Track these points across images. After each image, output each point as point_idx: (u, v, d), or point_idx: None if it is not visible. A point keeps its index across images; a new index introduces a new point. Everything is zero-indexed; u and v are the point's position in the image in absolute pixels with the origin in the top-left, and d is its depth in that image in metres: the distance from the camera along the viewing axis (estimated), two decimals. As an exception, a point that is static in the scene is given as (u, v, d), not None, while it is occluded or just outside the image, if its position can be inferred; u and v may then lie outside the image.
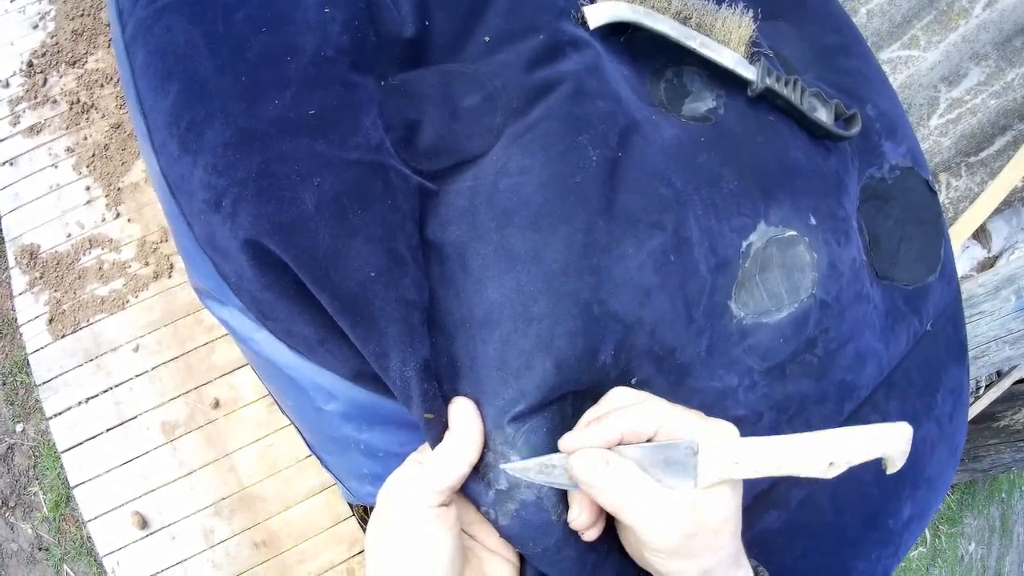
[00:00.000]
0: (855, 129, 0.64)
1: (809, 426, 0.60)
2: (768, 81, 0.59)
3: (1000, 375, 2.17)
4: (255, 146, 0.44)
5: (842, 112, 0.65)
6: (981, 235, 1.97)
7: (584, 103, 0.51)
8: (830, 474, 0.41)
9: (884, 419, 0.66)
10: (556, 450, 0.43)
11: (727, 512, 0.41)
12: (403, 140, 0.49)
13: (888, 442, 0.42)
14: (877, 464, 0.61)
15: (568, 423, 0.45)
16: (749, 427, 0.55)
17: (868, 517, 0.66)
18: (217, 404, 0.84)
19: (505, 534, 0.45)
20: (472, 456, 0.43)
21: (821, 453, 0.41)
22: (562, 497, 0.44)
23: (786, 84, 0.61)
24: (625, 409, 0.42)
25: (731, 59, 0.59)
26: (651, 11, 0.58)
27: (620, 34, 0.61)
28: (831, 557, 0.64)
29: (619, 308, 0.48)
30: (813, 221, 0.60)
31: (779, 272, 0.58)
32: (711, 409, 0.52)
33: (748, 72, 0.60)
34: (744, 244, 0.55)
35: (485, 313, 0.45)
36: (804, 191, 0.61)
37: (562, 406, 0.46)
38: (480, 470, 0.44)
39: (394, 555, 0.42)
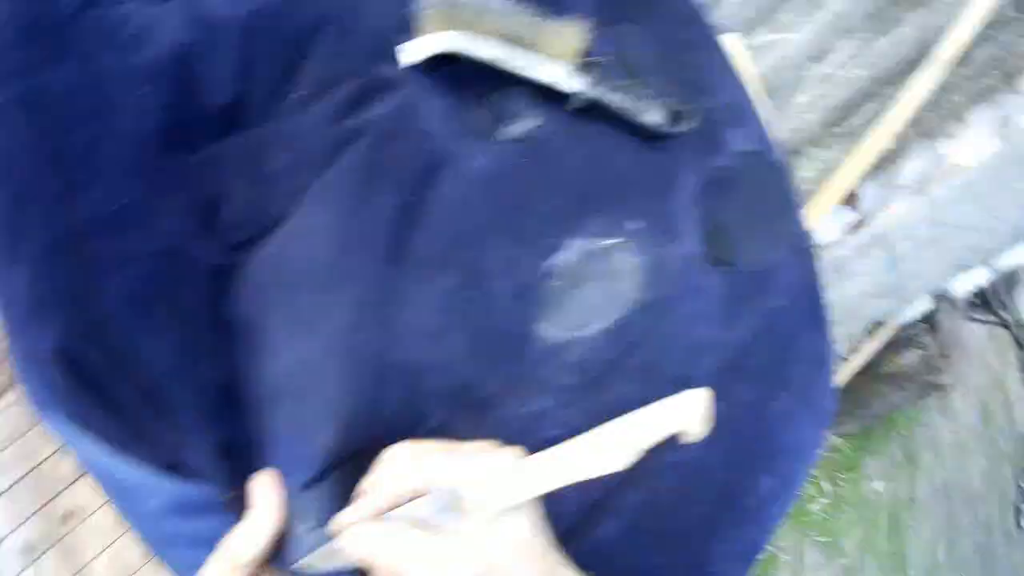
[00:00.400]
0: (685, 126, 0.66)
1: None
2: (592, 92, 0.61)
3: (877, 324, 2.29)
4: (70, 250, 0.46)
5: (675, 110, 0.66)
6: (851, 199, 2.02)
7: (386, 148, 0.54)
8: (624, 464, 0.39)
9: (730, 405, 0.66)
10: None
11: (518, 540, 0.40)
12: (209, 216, 0.51)
13: (680, 414, 0.41)
14: (724, 445, 0.64)
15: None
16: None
17: (721, 499, 0.67)
18: (70, 516, 0.85)
19: None
20: (270, 527, 0.43)
21: (608, 447, 0.40)
22: None
23: (615, 91, 0.62)
24: (392, 472, 0.41)
25: (552, 74, 0.60)
26: (472, 37, 0.59)
27: (443, 65, 0.61)
28: (684, 547, 0.64)
29: (406, 357, 0.49)
30: (636, 225, 0.63)
31: (596, 284, 0.60)
32: (522, 436, 0.51)
33: (568, 85, 0.60)
34: (551, 264, 0.57)
35: (275, 385, 0.46)
36: (628, 197, 0.63)
37: (354, 466, 0.46)
38: (289, 541, 0.45)
39: None
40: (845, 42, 1.89)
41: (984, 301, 3.09)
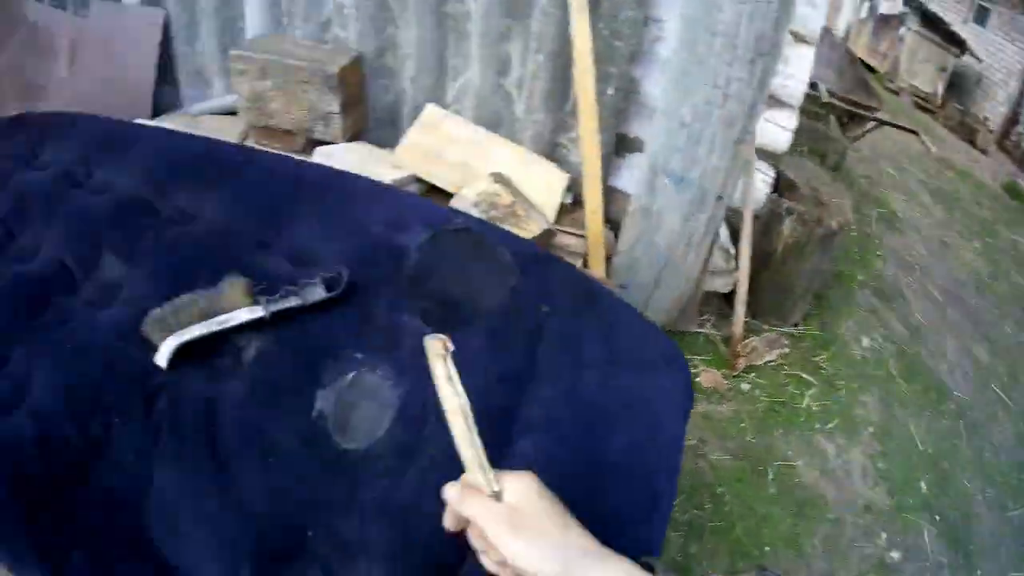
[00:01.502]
0: (340, 285, 0.94)
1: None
2: (271, 308, 0.92)
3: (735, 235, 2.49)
4: (40, 551, 0.78)
5: (327, 278, 0.95)
6: (631, 143, 2.28)
7: (179, 418, 0.87)
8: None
9: (542, 406, 0.87)
10: None
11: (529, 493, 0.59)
12: (111, 507, 0.82)
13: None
14: (553, 436, 0.82)
15: None
16: (424, 495, 0.77)
17: (580, 477, 0.81)
18: None
19: None
20: None
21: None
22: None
23: (284, 297, 0.93)
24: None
25: (241, 316, 0.92)
26: (183, 330, 0.91)
27: (186, 348, 0.93)
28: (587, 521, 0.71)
29: (261, 508, 0.79)
30: (359, 355, 0.90)
31: (364, 403, 0.87)
32: (386, 507, 0.79)
33: (256, 314, 0.92)
34: (315, 413, 0.87)
35: (193, 564, 0.77)
36: (341, 342, 0.92)
37: None
38: None
39: None
40: (510, 45, 2.12)
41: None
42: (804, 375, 2.58)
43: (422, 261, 1.00)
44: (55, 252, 1.17)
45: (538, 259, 1.03)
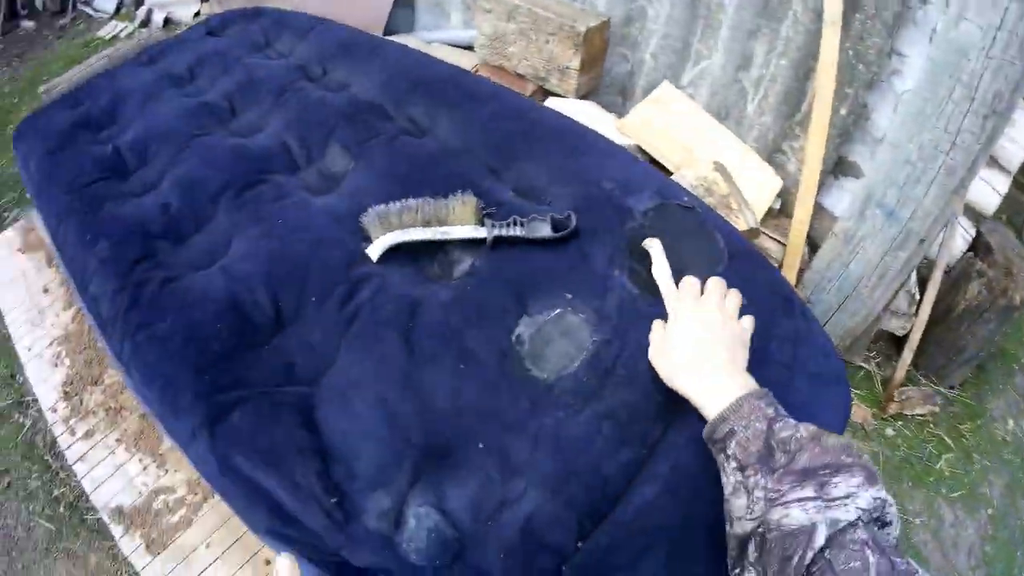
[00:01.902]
0: (569, 225, 0.96)
1: (648, 417, 0.83)
2: (495, 232, 0.95)
3: (923, 284, 2.45)
4: (201, 402, 0.85)
5: (556, 219, 0.97)
6: (850, 168, 2.25)
7: (379, 311, 0.90)
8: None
9: None
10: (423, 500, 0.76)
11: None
12: (287, 375, 0.88)
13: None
14: None
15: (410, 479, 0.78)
16: (595, 436, 0.82)
17: None
18: (268, 562, 1.35)
19: (424, 559, 0.74)
20: None
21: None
22: (451, 522, 0.75)
23: (510, 225, 0.95)
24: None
25: (465, 232, 0.96)
26: (404, 231, 0.96)
27: (398, 249, 0.98)
28: (720, 503, 0.77)
29: (442, 406, 0.82)
30: (569, 295, 0.91)
31: (561, 340, 0.89)
32: (557, 436, 0.81)
33: (480, 234, 0.95)
34: (514, 336, 0.89)
35: (363, 439, 0.81)
36: (554, 279, 0.93)
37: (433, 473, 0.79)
38: (392, 530, 0.75)
39: None
40: (756, 43, 2.13)
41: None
42: (946, 438, 2.56)
43: (644, 226, 1.00)
44: (280, 135, 1.26)
45: (747, 253, 1.02)
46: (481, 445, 0.81)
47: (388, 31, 2.73)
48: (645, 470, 0.80)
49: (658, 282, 0.91)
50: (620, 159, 1.13)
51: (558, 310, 0.91)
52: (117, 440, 1.65)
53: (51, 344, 1.83)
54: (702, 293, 0.85)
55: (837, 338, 2.33)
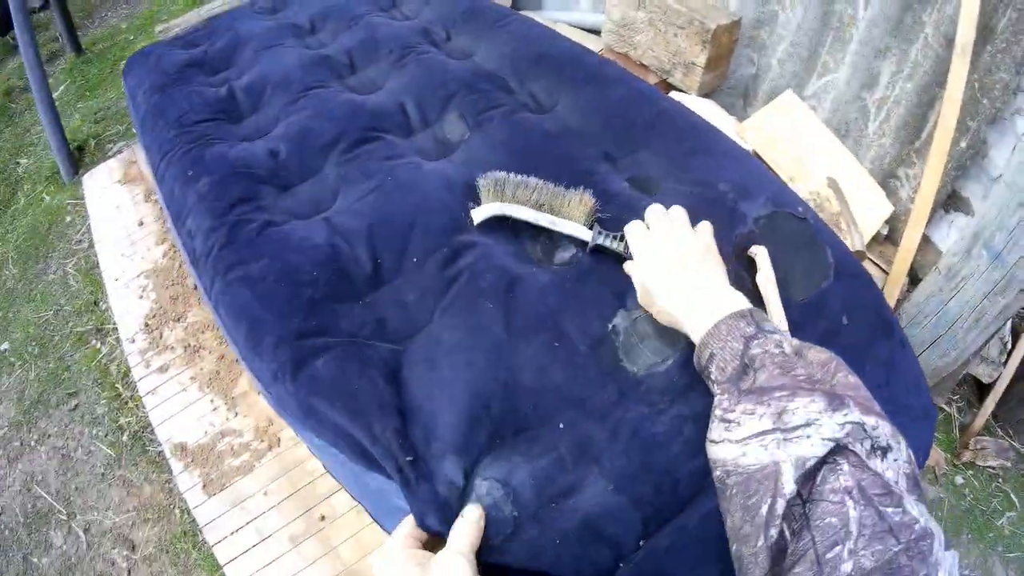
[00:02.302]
0: None
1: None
2: (598, 240, 0.92)
3: (1016, 335, 2.34)
4: (286, 346, 0.83)
5: None
6: (961, 204, 2.14)
7: (479, 281, 0.88)
8: None
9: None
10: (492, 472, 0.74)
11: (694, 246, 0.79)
12: (377, 330, 0.87)
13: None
14: None
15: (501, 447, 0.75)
16: (674, 437, 0.79)
17: None
18: (323, 518, 1.32)
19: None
20: (480, 530, 0.69)
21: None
22: (512, 499, 0.73)
23: (614, 239, 0.92)
24: None
25: (570, 228, 0.93)
26: (514, 206, 0.94)
27: (502, 222, 0.96)
28: None
29: (527, 382, 0.79)
30: None
31: (656, 337, 0.85)
32: (637, 431, 0.79)
33: (583, 235, 0.93)
34: (611, 326, 0.86)
35: (447, 401, 0.78)
36: None
37: (505, 444, 0.76)
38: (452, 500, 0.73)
39: None
40: (883, 63, 2.05)
41: None
42: (1012, 496, 2.43)
43: (754, 232, 0.96)
44: (398, 95, 1.24)
45: (855, 273, 0.98)
46: (561, 425, 0.78)
47: (514, 7, 2.69)
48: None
49: (762, 291, 0.87)
50: (740, 161, 1.08)
51: None
52: (191, 378, 1.65)
53: (139, 276, 1.85)
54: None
55: (925, 376, 2.17)
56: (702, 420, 0.78)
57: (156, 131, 1.22)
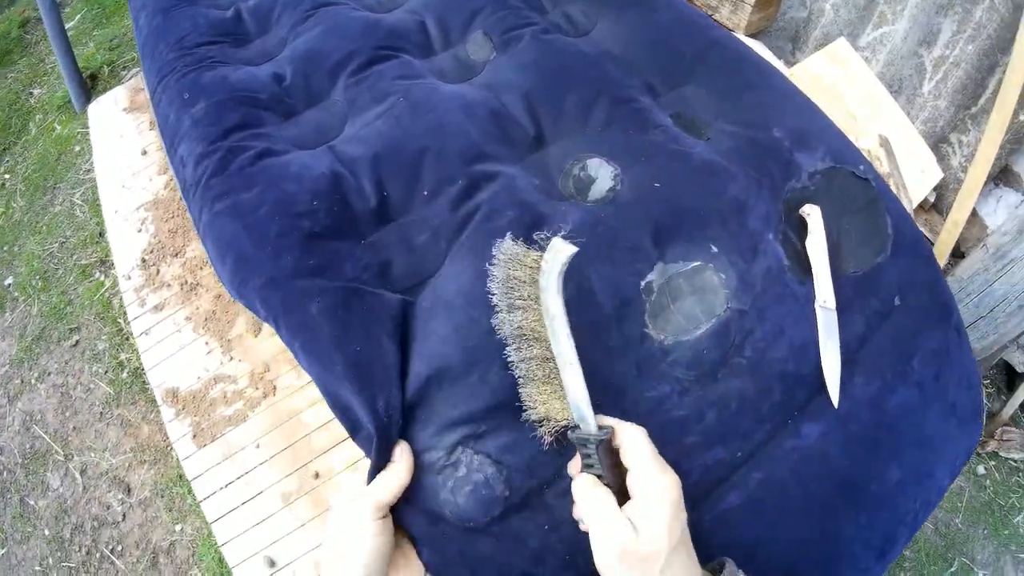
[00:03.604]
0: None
1: (758, 416, 0.72)
2: (590, 435, 0.66)
3: None
4: (279, 286, 0.72)
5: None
6: (1012, 179, 1.99)
7: (495, 218, 0.75)
8: None
9: (846, 397, 0.75)
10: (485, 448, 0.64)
11: (660, 546, 0.52)
12: (379, 274, 0.75)
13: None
14: (842, 433, 0.74)
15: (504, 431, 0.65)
16: (695, 425, 0.70)
17: (842, 483, 0.74)
18: (317, 475, 1.24)
19: (461, 512, 0.63)
20: (404, 481, 0.62)
21: None
22: (505, 478, 0.63)
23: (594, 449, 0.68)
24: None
25: (574, 391, 0.66)
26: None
27: (529, 155, 0.85)
28: (807, 524, 0.72)
29: None
30: (714, 249, 0.75)
31: (692, 297, 0.73)
32: (653, 414, 0.68)
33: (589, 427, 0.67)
34: (643, 283, 0.72)
35: (441, 364, 0.67)
36: (700, 227, 0.76)
37: (502, 418, 0.65)
38: (437, 471, 0.64)
39: (339, 552, 0.59)
40: (945, 20, 1.88)
41: None
42: None
43: (808, 188, 0.84)
44: (418, 12, 1.10)
45: (913, 245, 0.86)
46: None
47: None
48: (737, 474, 0.71)
49: (811, 258, 0.76)
50: (799, 105, 0.93)
51: (697, 263, 0.75)
52: (186, 318, 1.50)
53: (138, 209, 1.69)
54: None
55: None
56: (727, 406, 0.71)
57: (156, 54, 1.09)
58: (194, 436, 1.42)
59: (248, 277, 0.75)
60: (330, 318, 0.69)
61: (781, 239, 0.79)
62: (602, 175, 0.83)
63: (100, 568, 1.81)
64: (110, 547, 1.82)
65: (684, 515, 0.56)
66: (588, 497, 0.56)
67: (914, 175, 1.86)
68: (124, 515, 1.85)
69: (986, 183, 1.97)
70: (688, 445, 0.69)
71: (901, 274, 0.82)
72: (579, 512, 0.59)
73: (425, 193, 0.82)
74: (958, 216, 1.86)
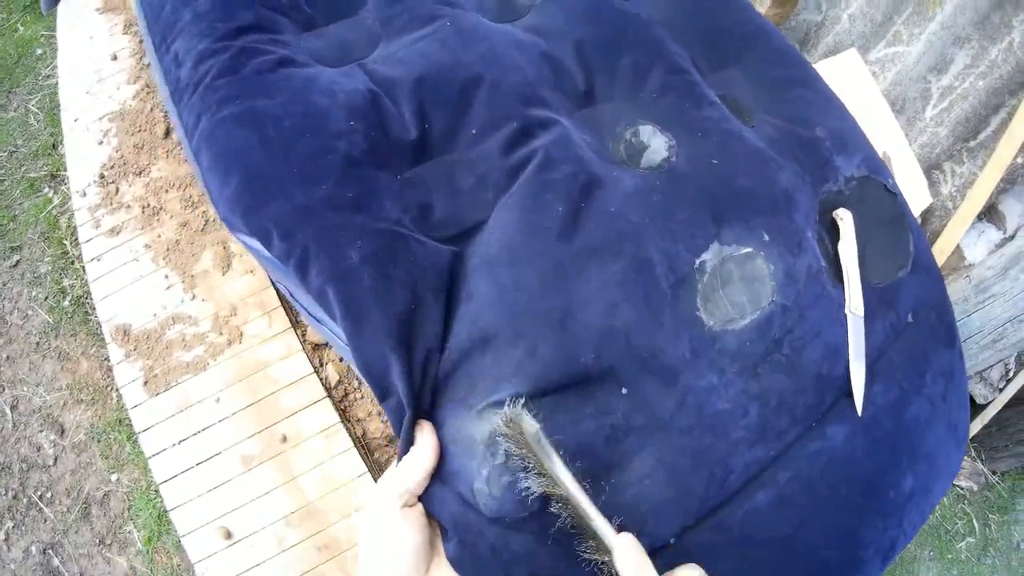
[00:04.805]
0: None
1: (793, 416, 0.68)
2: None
3: (1021, 363, 2.16)
4: (311, 218, 0.62)
5: None
6: (995, 217, 1.99)
7: (551, 170, 0.67)
8: None
9: (869, 403, 0.73)
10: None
11: None
12: (419, 217, 0.66)
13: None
14: (865, 438, 0.72)
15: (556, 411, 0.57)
16: (738, 419, 0.65)
17: (866, 487, 0.72)
18: (284, 439, 1.10)
19: (498, 505, 0.56)
20: (430, 464, 0.55)
21: None
22: (539, 471, 0.55)
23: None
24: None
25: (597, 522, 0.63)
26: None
27: (583, 107, 0.78)
28: (833, 525, 0.70)
29: (590, 320, 0.61)
30: (766, 237, 0.71)
31: (740, 284, 0.68)
32: (699, 407, 0.63)
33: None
34: (698, 262, 0.67)
35: (479, 332, 0.59)
36: (755, 212, 0.72)
37: (549, 399, 0.58)
38: (471, 456, 0.56)
39: (369, 549, 0.53)
40: (959, 52, 1.86)
41: None
42: (974, 521, 2.35)
43: (843, 193, 0.82)
44: None
45: (929, 266, 0.85)
46: (625, 391, 0.61)
47: None
48: (766, 473, 0.67)
49: (843, 263, 0.75)
50: (839, 109, 0.90)
51: (749, 249, 0.70)
52: (146, 246, 1.30)
53: (102, 119, 1.47)
54: None
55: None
56: (767, 402, 0.67)
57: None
58: (145, 382, 1.23)
59: (263, 201, 0.64)
60: (373, 267, 0.61)
61: (816, 239, 0.76)
62: (656, 144, 0.77)
63: (27, 515, 1.63)
64: (38, 493, 1.65)
65: None
66: None
67: (905, 197, 1.86)
68: (56, 458, 1.68)
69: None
70: (734, 440, 0.64)
71: (916, 294, 0.81)
72: None
73: (473, 132, 0.72)
74: (945, 245, 1.86)
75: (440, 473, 0.58)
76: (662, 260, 0.65)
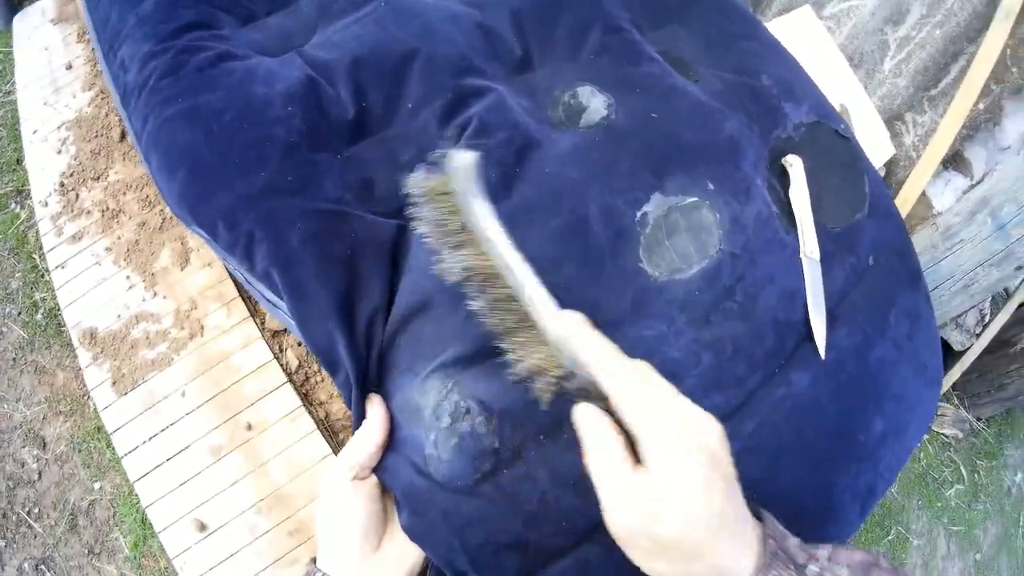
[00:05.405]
0: None
1: (751, 363, 0.67)
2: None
3: (1007, 296, 2.21)
4: (252, 205, 0.63)
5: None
6: (961, 165, 1.99)
7: (485, 136, 0.68)
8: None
9: (832, 347, 0.72)
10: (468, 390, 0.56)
11: (690, 533, 0.39)
12: (362, 193, 0.67)
13: None
14: (830, 381, 0.72)
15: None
16: (691, 368, 0.65)
17: (834, 431, 0.72)
18: (250, 427, 1.09)
19: (448, 469, 0.56)
20: (379, 437, 0.56)
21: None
22: (494, 427, 0.56)
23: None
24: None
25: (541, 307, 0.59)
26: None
27: (518, 75, 0.78)
28: (805, 470, 0.70)
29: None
30: (711, 186, 0.71)
31: (686, 234, 0.69)
32: (652, 354, 0.62)
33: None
34: (639, 214, 0.67)
35: (423, 300, 0.60)
36: (699, 162, 0.72)
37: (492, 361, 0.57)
38: (418, 423, 0.57)
39: (322, 524, 0.54)
40: (915, 2, 1.86)
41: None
42: (962, 468, 2.36)
43: (792, 139, 0.82)
44: None
45: (887, 212, 0.85)
46: None
47: None
48: (731, 422, 0.66)
49: (794, 208, 0.75)
50: (785, 58, 0.90)
51: (694, 198, 0.70)
52: (107, 249, 1.29)
53: (59, 128, 1.46)
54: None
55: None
56: (722, 350, 0.66)
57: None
58: (114, 383, 1.22)
59: (208, 193, 0.65)
60: (314, 247, 0.62)
61: (767, 186, 0.76)
62: (594, 104, 0.77)
63: (17, 532, 1.62)
64: (26, 509, 1.64)
65: (726, 469, 0.43)
66: (590, 444, 0.44)
67: (867, 149, 1.85)
68: (40, 473, 1.66)
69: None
70: (687, 389, 0.61)
71: (876, 236, 0.81)
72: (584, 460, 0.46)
73: (410, 106, 0.73)
74: (909, 194, 1.85)
75: (393, 443, 0.58)
76: (599, 215, 0.66)
